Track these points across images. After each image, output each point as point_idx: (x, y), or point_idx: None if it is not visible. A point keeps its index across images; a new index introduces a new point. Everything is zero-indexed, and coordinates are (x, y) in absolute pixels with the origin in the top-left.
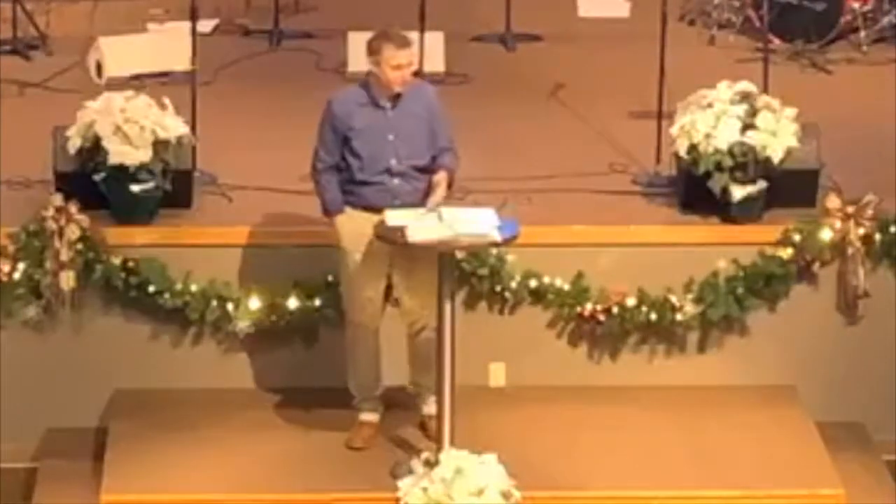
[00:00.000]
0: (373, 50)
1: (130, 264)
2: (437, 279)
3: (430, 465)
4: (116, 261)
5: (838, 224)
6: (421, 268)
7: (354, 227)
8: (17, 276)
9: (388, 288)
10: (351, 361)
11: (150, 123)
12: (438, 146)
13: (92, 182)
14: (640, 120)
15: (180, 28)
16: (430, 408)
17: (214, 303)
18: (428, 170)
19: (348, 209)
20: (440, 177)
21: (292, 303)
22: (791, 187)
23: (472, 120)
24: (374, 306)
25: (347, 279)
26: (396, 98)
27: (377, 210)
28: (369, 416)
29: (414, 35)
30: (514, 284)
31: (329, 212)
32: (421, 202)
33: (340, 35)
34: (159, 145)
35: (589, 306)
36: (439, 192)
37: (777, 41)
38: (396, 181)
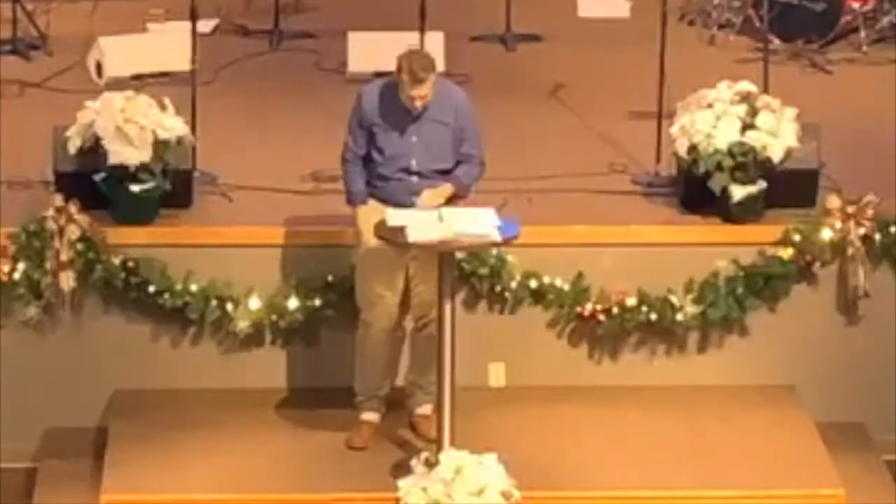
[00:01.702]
0: (396, 68)
1: (130, 264)
2: (437, 279)
3: (430, 465)
4: (116, 261)
5: (838, 224)
6: (434, 262)
7: (375, 219)
8: (17, 276)
9: (406, 292)
10: (358, 359)
11: (150, 123)
12: (462, 151)
13: (92, 182)
14: (640, 120)
15: (180, 28)
16: (422, 408)
17: (214, 303)
18: (451, 173)
19: (371, 201)
20: (441, 187)
21: (292, 303)
22: (791, 187)
23: None
24: (384, 305)
25: (361, 273)
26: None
27: (398, 204)
28: (370, 416)
29: (414, 35)
30: (514, 284)
31: (352, 202)
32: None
33: (340, 35)
34: (159, 145)
35: (589, 306)
36: (428, 196)
37: (777, 41)
38: (415, 179)
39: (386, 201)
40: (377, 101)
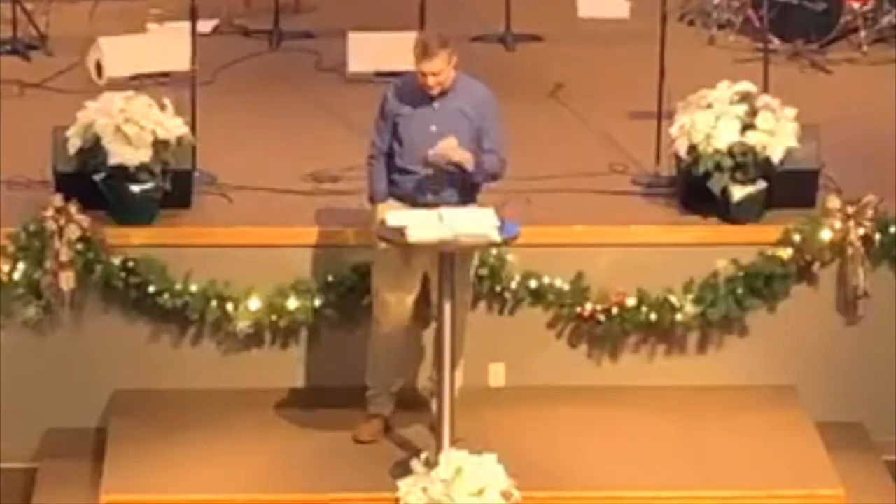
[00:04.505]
0: (413, 46)
1: (130, 264)
2: (438, 279)
3: (430, 465)
4: (116, 261)
5: (838, 224)
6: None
7: None
8: (17, 276)
9: (421, 303)
10: (370, 354)
11: (150, 123)
12: (484, 147)
13: (92, 182)
14: (640, 120)
15: (180, 28)
16: None
17: (214, 303)
18: (467, 171)
19: (390, 201)
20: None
21: (292, 303)
22: (791, 187)
23: None
24: (391, 308)
25: (374, 272)
26: (444, 92)
27: (414, 204)
28: (380, 410)
29: (414, 35)
30: (514, 284)
31: (373, 201)
32: (455, 204)
33: (340, 35)
34: (159, 145)
35: (589, 306)
36: (445, 145)
37: (777, 41)
38: (431, 172)
39: (403, 199)
40: (401, 91)
